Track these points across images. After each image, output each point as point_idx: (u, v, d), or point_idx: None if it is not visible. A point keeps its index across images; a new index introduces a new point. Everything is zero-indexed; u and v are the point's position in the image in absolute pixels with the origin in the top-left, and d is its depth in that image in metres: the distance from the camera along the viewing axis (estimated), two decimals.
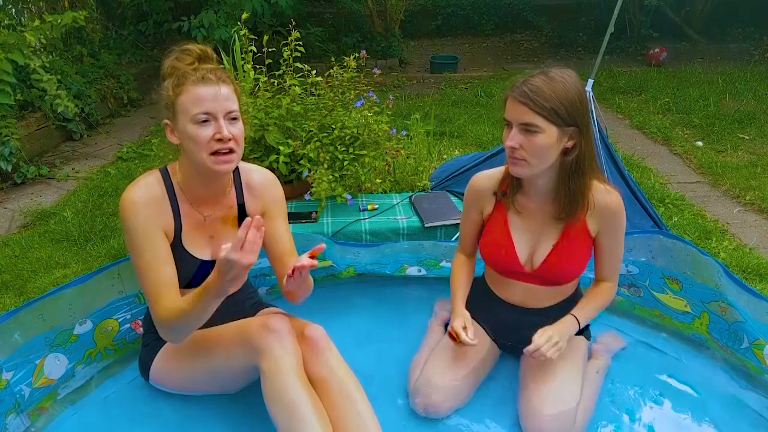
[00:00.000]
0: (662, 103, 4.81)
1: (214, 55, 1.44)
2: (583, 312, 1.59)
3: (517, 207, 1.59)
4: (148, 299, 1.42)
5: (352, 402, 1.39)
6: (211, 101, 1.32)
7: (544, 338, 1.47)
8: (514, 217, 1.60)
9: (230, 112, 1.35)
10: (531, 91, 1.36)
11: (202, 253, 1.51)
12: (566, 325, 1.55)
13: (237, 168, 1.56)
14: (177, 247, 1.47)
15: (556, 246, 1.55)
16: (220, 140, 1.34)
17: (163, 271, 1.41)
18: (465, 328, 1.56)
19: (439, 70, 6.24)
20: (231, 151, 1.36)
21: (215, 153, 1.35)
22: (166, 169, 1.49)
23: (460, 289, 1.70)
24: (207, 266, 1.52)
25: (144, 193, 1.41)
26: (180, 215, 1.47)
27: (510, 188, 1.58)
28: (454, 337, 1.56)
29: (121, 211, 1.40)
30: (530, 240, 1.58)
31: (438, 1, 8.18)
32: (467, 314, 1.64)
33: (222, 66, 1.44)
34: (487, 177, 1.65)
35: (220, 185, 1.51)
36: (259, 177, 1.60)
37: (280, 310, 1.72)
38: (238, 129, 1.37)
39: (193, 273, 1.51)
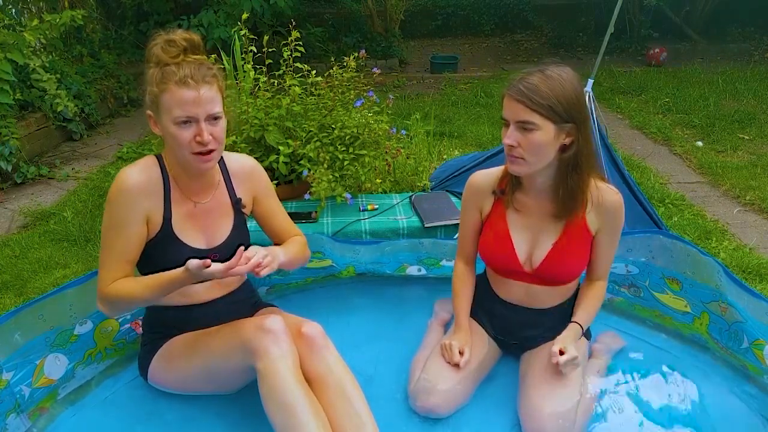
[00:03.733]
0: (662, 103, 4.81)
1: (201, 43, 1.42)
2: (584, 317, 1.61)
3: (516, 205, 1.59)
4: (101, 268, 1.45)
5: (349, 400, 1.39)
6: (192, 105, 1.33)
7: (567, 357, 1.48)
8: (513, 216, 1.60)
9: (211, 114, 1.37)
10: (527, 89, 1.36)
11: (196, 242, 1.52)
12: (574, 332, 1.57)
13: (221, 157, 1.59)
14: (168, 234, 1.48)
15: (556, 245, 1.55)
16: (200, 143, 1.36)
17: (125, 249, 1.44)
18: (461, 352, 1.59)
19: (439, 70, 6.24)
20: (211, 151, 1.39)
21: (196, 153, 1.38)
22: (162, 157, 1.51)
23: (463, 305, 1.71)
24: (202, 255, 1.52)
25: (139, 178, 1.42)
26: (171, 204, 1.48)
27: (509, 186, 1.58)
28: (446, 349, 1.61)
29: (112, 188, 1.42)
30: (529, 239, 1.58)
31: (438, 1, 8.19)
32: (469, 335, 1.65)
33: (207, 60, 1.41)
34: (486, 175, 1.65)
35: (207, 176, 1.53)
36: (241, 165, 1.63)
37: (279, 310, 1.72)
38: (219, 128, 1.40)
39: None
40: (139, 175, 1.43)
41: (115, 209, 1.42)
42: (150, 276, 1.42)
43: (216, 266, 1.28)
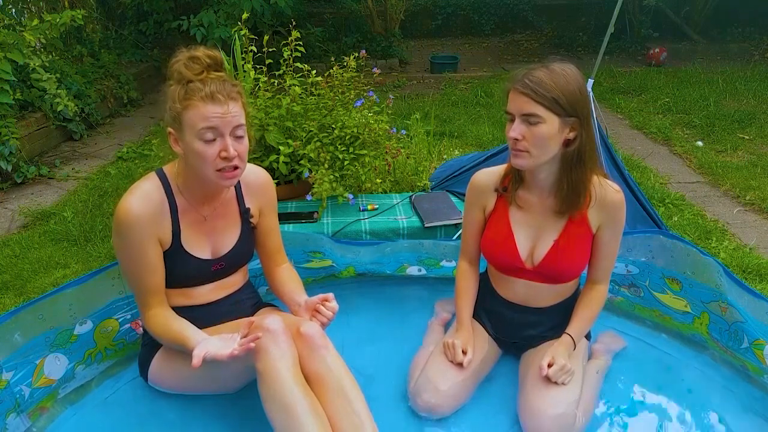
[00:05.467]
0: (662, 103, 4.81)
1: (222, 61, 1.42)
2: (578, 328, 1.61)
3: (518, 202, 1.59)
4: (138, 304, 1.52)
5: (348, 400, 1.38)
6: (219, 120, 1.33)
7: (556, 368, 1.49)
8: (515, 213, 1.60)
9: (237, 128, 1.37)
10: (532, 82, 1.37)
11: (203, 252, 1.53)
12: (565, 345, 1.57)
13: None
14: (177, 249, 1.48)
15: (558, 241, 1.55)
16: (225, 158, 1.35)
17: (151, 280, 1.46)
18: (464, 351, 1.59)
19: (439, 70, 6.24)
20: (235, 167, 1.38)
21: (220, 170, 1.37)
22: (164, 172, 1.49)
23: (466, 304, 1.71)
24: (208, 264, 1.54)
25: (141, 205, 1.41)
26: (178, 219, 1.48)
27: (512, 183, 1.59)
28: (449, 348, 1.61)
29: (116, 219, 1.41)
30: (531, 236, 1.58)
31: (438, 1, 8.19)
32: (471, 334, 1.65)
33: (230, 78, 1.42)
34: (489, 173, 1.66)
35: (219, 188, 1.53)
36: (256, 178, 1.64)
37: (279, 309, 1.72)
38: (243, 146, 1.39)
39: (195, 272, 1.53)
40: (140, 203, 1.41)
41: (123, 242, 1.42)
42: (177, 329, 1.43)
43: (224, 351, 1.29)
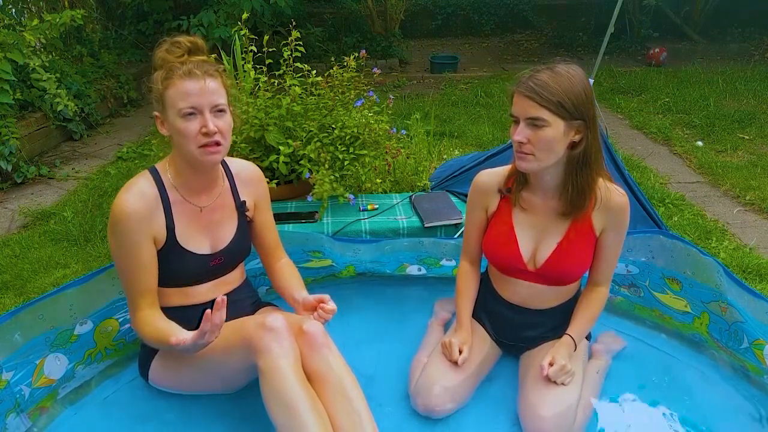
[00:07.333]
0: (662, 103, 4.81)
1: (205, 47, 1.47)
2: (579, 329, 1.61)
3: (522, 204, 1.59)
4: (129, 306, 1.50)
5: (348, 399, 1.38)
6: (197, 96, 1.35)
7: (556, 368, 1.49)
8: (518, 214, 1.60)
9: (216, 105, 1.38)
10: (537, 86, 1.36)
11: (201, 248, 1.53)
12: (566, 345, 1.57)
13: (224, 161, 1.61)
14: (173, 246, 1.49)
15: (561, 243, 1.55)
16: (206, 134, 1.37)
17: (143, 279, 1.46)
18: (461, 351, 1.59)
19: (439, 70, 6.24)
20: (217, 143, 1.40)
21: (202, 146, 1.39)
22: (156, 169, 1.51)
23: (466, 304, 1.71)
24: (207, 260, 1.54)
25: (136, 202, 1.42)
26: (173, 215, 1.48)
27: (516, 184, 1.58)
28: (446, 347, 1.61)
29: (111, 217, 1.42)
30: (534, 237, 1.58)
31: (438, 1, 8.20)
32: (470, 334, 1.65)
33: (211, 58, 1.46)
34: (492, 174, 1.65)
35: (211, 175, 1.54)
36: (248, 172, 1.66)
37: (279, 309, 1.72)
38: (224, 122, 1.41)
39: (194, 268, 1.53)
40: (135, 200, 1.42)
41: (118, 239, 1.42)
42: (164, 328, 1.40)
43: (191, 333, 1.28)
